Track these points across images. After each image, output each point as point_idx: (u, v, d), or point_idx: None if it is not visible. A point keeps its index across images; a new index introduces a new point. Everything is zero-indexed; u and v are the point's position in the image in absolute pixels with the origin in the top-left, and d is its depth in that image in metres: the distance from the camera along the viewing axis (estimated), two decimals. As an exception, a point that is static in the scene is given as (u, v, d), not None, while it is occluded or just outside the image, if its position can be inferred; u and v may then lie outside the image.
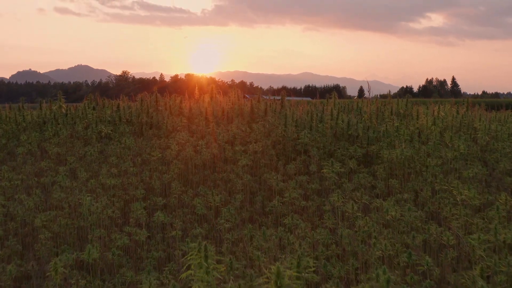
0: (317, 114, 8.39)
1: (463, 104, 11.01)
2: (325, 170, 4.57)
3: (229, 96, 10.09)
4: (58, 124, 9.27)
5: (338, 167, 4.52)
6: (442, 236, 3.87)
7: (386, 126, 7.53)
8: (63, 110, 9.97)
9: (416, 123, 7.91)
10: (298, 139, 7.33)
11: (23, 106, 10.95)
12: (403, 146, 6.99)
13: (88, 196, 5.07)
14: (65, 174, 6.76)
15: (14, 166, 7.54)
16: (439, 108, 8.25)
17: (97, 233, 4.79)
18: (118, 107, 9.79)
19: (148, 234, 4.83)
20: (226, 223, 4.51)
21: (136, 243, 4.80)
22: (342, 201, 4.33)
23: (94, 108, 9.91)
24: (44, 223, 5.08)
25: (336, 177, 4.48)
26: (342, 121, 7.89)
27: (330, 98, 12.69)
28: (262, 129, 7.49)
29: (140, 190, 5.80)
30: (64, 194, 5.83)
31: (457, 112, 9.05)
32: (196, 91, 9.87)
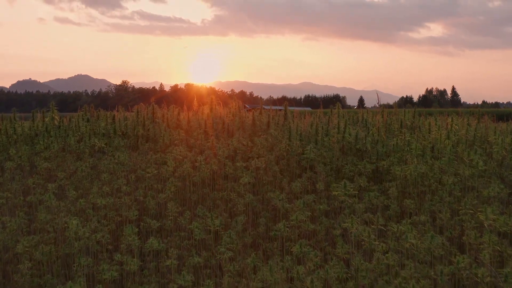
0: (322, 127, 7.95)
1: (472, 114, 10.59)
2: (336, 193, 4.11)
3: (229, 107, 9.66)
4: (50, 136, 8.82)
5: (351, 189, 4.06)
6: (473, 270, 3.39)
7: (397, 140, 7.08)
8: (56, 122, 9.52)
9: (428, 136, 7.46)
10: (303, 154, 6.88)
11: (14, 117, 10.50)
12: (415, 162, 6.54)
13: (74, 219, 4.60)
14: (53, 192, 6.30)
15: (0, 182, 7.08)
16: (452, 120, 7.80)
17: (84, 262, 4.32)
18: (113, 119, 9.36)
19: (141, 263, 4.35)
20: (227, 252, 4.04)
21: (126, 273, 4.32)
22: (356, 228, 3.86)
23: (88, 120, 9.47)
24: (27, 249, 4.61)
25: (349, 200, 4.01)
26: (349, 135, 7.44)
27: (334, 108, 12.29)
28: (265, 143, 7.04)
29: (134, 211, 5.33)
30: (50, 216, 5.36)
31: (468, 124, 8.62)
32: (195, 102, 9.43)
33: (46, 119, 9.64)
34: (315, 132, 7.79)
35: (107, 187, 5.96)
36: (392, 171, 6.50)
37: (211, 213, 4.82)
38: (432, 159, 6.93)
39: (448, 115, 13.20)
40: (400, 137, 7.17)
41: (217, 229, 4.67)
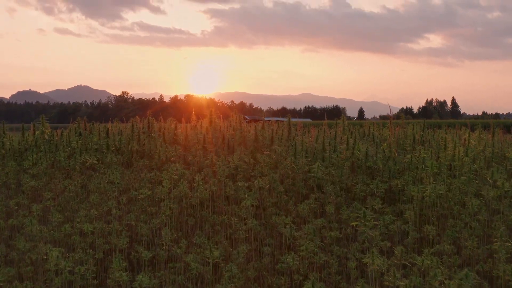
0: (329, 142, 7.42)
1: (486, 128, 10.08)
2: (355, 224, 3.56)
3: (230, 120, 9.15)
4: (40, 151, 8.29)
5: (372, 219, 3.51)
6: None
7: (411, 157, 6.55)
8: (46, 136, 9.00)
9: (443, 152, 6.93)
10: (310, 172, 6.35)
11: (4, 131, 9.98)
12: (431, 180, 6.01)
13: (55, 250, 4.05)
14: (38, 214, 5.76)
15: (-18, 202, 6.54)
16: (469, 135, 7.27)
17: (63, 301, 3.77)
18: (107, 133, 8.84)
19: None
20: (228, 293, 3.48)
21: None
22: (378, 266, 3.32)
23: (80, 134, 8.95)
24: (0, 284, 4.06)
25: (370, 233, 3.47)
26: (359, 151, 6.91)
27: (339, 119, 11.78)
28: (268, 161, 6.51)
29: (124, 239, 4.78)
30: (31, 244, 4.81)
31: (480, 137, 8.11)
32: (193, 116, 8.92)
33: (36, 133, 9.12)
34: (321, 148, 7.27)
35: (95, 210, 5.42)
36: (407, 191, 5.97)
37: (209, 241, 4.28)
38: (449, 177, 6.41)
39: (455, 127, 12.71)
40: (415, 153, 6.64)
41: (217, 261, 4.13)
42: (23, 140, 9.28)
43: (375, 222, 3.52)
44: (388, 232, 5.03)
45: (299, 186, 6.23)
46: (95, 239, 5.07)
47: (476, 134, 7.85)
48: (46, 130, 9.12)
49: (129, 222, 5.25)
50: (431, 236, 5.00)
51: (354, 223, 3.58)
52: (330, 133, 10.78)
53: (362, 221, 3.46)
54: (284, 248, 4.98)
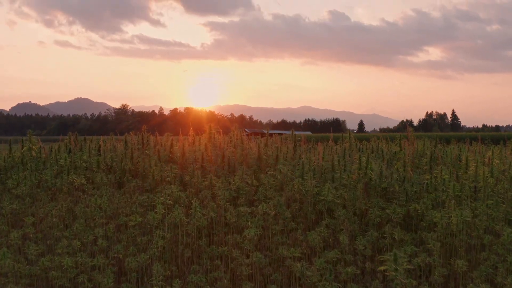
0: (338, 160, 6.82)
1: (501, 143, 9.50)
2: (382, 268, 2.94)
3: (230, 135, 8.54)
4: (26, 170, 7.68)
5: (405, 263, 2.89)
6: None
7: (431, 178, 5.94)
8: (34, 153, 8.39)
9: (464, 172, 6.34)
10: (319, 194, 5.74)
11: (-10, 147, 9.38)
12: (453, 204, 5.40)
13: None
14: (16, 243, 5.15)
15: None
16: (492, 153, 6.67)
17: None
18: (99, 149, 8.23)
19: None
20: None
21: None
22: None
23: (70, 151, 8.34)
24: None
25: (403, 280, 2.85)
26: (372, 171, 6.31)
27: (345, 133, 11.19)
28: (273, 183, 5.90)
29: (109, 276, 4.15)
30: (3, 280, 4.18)
31: (501, 154, 7.52)
32: (191, 131, 8.31)
33: (23, 149, 8.51)
34: (330, 167, 6.66)
35: (79, 240, 4.80)
36: (428, 217, 5.36)
37: (207, 277, 3.66)
38: (472, 200, 5.80)
39: (465, 142, 12.10)
40: (434, 174, 6.03)
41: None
42: (10, 157, 8.68)
43: (408, 266, 2.90)
44: (409, 264, 4.40)
45: (307, 211, 5.61)
46: (77, 274, 4.44)
47: (498, 152, 7.25)
48: (33, 146, 8.52)
49: (116, 255, 4.63)
50: (460, 271, 4.38)
51: (382, 268, 2.96)
52: (336, 148, 10.18)
53: (393, 265, 2.84)
54: (293, 286, 4.35)
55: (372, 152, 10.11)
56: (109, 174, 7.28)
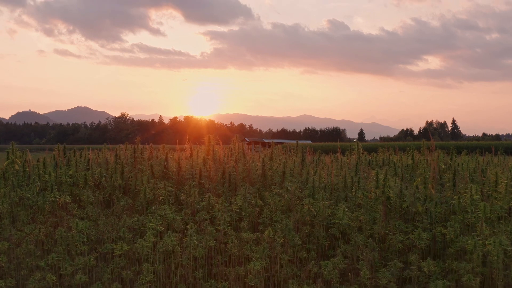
0: (352, 177, 6.12)
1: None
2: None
3: (231, 147, 7.86)
4: (6, 186, 7.00)
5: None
6: None
7: (459, 198, 5.25)
8: (17, 167, 7.71)
9: (493, 190, 5.64)
10: (332, 216, 5.06)
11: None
12: (483, 227, 4.72)
13: None
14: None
15: None
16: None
17: None
18: (88, 163, 7.55)
19: None
20: None
21: None
22: None
23: (56, 165, 7.66)
24: None
25: None
26: (390, 189, 5.61)
27: (353, 148, 10.55)
28: (280, 203, 5.21)
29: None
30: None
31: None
32: (188, 143, 7.62)
33: (6, 163, 7.82)
34: (343, 185, 5.97)
35: (55, 273, 4.10)
36: (458, 243, 4.67)
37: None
38: (504, 223, 5.11)
39: (474, 152, 11.39)
40: (465, 192, 5.33)
41: None
42: (-8, 171, 7.99)
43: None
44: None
45: (319, 236, 4.91)
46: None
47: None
48: (17, 160, 7.84)
49: (97, 292, 3.92)
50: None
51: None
52: (343, 160, 9.49)
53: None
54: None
55: (383, 165, 9.43)
56: (97, 191, 6.59)
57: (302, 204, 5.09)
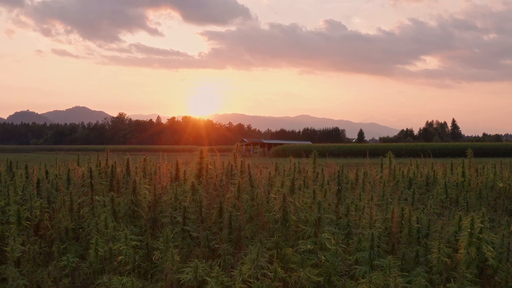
0: (409, 220, 3.99)
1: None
2: None
3: (230, 161, 5.72)
4: None
5: None
6: None
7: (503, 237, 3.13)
8: None
9: None
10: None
11: None
12: None
13: None
14: None
15: None
16: None
17: None
18: (37, 185, 5.43)
19: None
20: None
21: None
22: None
23: (6, 181, 5.55)
24: None
25: None
26: (487, 244, 3.51)
27: (385, 157, 8.52)
28: (315, 277, 3.08)
29: None
30: None
31: None
32: (180, 166, 5.47)
33: None
34: (407, 233, 3.85)
35: None
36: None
37: None
38: None
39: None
40: None
41: None
42: None
43: None
44: None
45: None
46: None
47: None
48: None
49: None
50: None
51: None
52: (375, 172, 7.39)
53: None
54: None
55: (427, 185, 7.36)
56: (35, 236, 4.47)
57: (359, 282, 2.96)
